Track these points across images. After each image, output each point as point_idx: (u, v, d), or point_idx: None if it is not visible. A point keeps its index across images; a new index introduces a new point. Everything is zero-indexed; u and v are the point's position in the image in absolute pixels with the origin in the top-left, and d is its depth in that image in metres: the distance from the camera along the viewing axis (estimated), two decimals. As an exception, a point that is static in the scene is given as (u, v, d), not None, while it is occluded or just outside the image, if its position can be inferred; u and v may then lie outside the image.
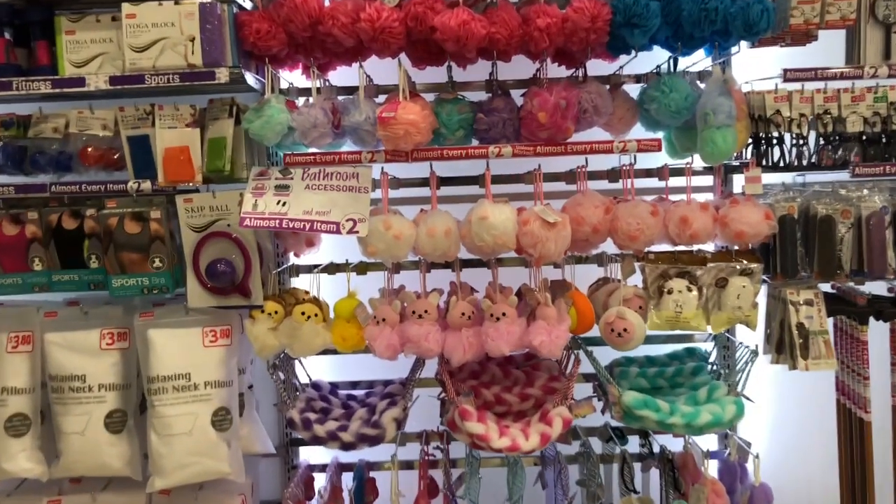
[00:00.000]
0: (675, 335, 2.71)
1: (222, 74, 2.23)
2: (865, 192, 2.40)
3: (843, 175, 2.43)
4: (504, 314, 2.21)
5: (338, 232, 2.22)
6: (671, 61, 2.40)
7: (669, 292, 2.34)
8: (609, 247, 2.42)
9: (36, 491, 2.51)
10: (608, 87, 2.41)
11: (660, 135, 2.48)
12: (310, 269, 2.64)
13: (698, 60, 2.50)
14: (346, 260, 2.57)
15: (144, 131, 2.36)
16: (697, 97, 2.31)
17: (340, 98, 2.41)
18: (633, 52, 2.36)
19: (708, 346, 2.73)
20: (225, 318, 2.42)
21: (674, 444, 2.59)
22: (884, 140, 2.39)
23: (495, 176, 2.38)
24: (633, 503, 2.50)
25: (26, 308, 2.47)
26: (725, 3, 2.16)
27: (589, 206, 2.29)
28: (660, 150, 2.30)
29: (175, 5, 2.22)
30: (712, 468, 2.54)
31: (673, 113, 2.31)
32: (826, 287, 2.51)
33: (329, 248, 2.65)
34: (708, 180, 2.60)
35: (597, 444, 2.67)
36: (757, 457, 2.38)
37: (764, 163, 2.43)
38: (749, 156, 2.45)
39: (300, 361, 2.63)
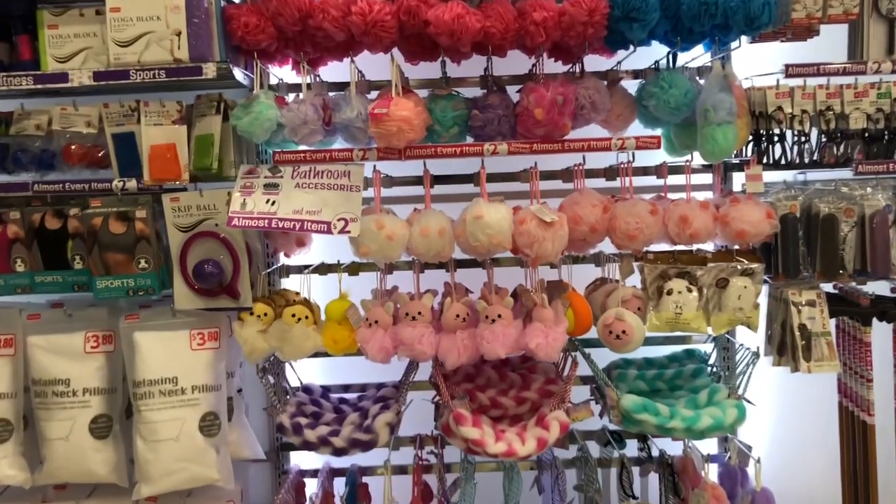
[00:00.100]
0: (673, 336, 2.68)
1: (209, 70, 2.19)
2: (869, 190, 2.37)
3: (846, 173, 2.41)
4: (500, 316, 2.18)
5: (329, 232, 2.19)
6: (670, 56, 2.36)
7: (669, 293, 2.30)
8: (607, 246, 2.39)
9: (19, 498, 2.47)
10: (605, 83, 2.38)
11: (658, 132, 2.45)
12: (300, 269, 2.60)
13: (697, 56, 2.47)
14: (338, 260, 2.53)
15: (130, 128, 2.33)
16: (697, 93, 2.29)
17: (331, 94, 2.38)
18: (632, 48, 2.33)
19: (707, 348, 2.70)
20: (213, 321, 2.38)
21: (673, 448, 2.56)
22: (887, 137, 2.36)
23: (490, 174, 2.34)
24: (632, 509, 2.47)
25: (8, 310, 2.42)
26: (726, -4, 2.13)
27: (587, 204, 2.26)
28: (659, 147, 2.28)
29: (161, -2, 2.18)
30: (712, 473, 2.51)
31: (672, 109, 2.28)
32: (828, 287, 2.48)
33: (320, 249, 2.62)
34: (707, 178, 2.57)
35: (594, 448, 2.64)
36: (758, 461, 2.34)
37: (765, 160, 2.40)
38: (749, 153, 2.42)
39: (290, 364, 2.59)
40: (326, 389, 2.70)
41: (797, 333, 2.33)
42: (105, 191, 2.33)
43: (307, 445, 2.30)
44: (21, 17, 2.29)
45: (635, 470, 2.57)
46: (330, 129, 2.31)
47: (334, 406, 2.59)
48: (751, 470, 2.43)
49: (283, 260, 2.70)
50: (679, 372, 2.56)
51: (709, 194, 2.52)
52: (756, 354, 2.32)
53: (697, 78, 2.40)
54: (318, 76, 2.50)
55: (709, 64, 2.45)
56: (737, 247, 2.36)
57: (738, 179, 2.55)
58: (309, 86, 2.34)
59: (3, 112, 2.41)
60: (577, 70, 2.39)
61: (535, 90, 2.20)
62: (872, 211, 2.33)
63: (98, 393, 2.36)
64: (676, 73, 2.30)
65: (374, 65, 2.42)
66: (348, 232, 2.18)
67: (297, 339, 2.26)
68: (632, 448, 2.63)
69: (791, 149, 2.39)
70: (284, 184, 2.26)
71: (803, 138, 2.38)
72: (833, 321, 2.41)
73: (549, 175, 2.45)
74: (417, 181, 2.43)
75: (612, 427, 2.53)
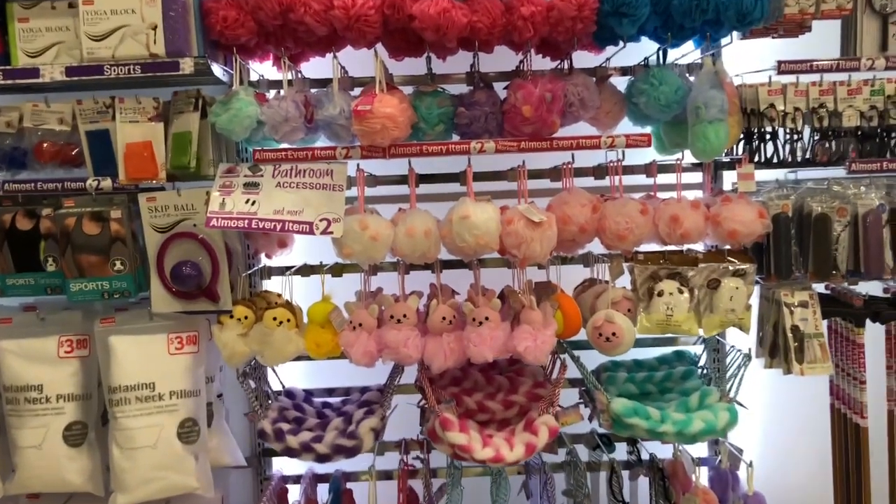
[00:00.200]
0: (662, 337, 2.64)
1: (187, 65, 2.14)
2: (862, 188, 2.35)
3: (838, 171, 2.38)
4: (487, 318, 2.15)
5: (311, 232, 2.15)
6: (660, 53, 2.33)
7: (660, 294, 2.27)
8: (596, 247, 2.36)
9: (-9, 508, 2.42)
10: (594, 79, 2.34)
11: (648, 130, 2.42)
12: (282, 271, 2.57)
13: (687, 52, 2.43)
14: (321, 262, 2.50)
15: (104, 126, 2.28)
16: (688, 90, 2.26)
17: (313, 91, 2.33)
18: (621, 43, 2.29)
19: (697, 349, 2.66)
20: (191, 324, 2.34)
21: (663, 451, 2.53)
22: (882, 135, 2.34)
23: (477, 173, 2.30)
24: (622, 514, 2.44)
25: (-21, 314, 2.37)
26: (718, -9, 2.10)
27: (575, 204, 2.23)
28: (649, 145, 2.24)
29: (136, -9, 2.12)
30: (703, 476, 2.49)
31: (663, 107, 2.25)
32: (820, 288, 2.45)
33: (302, 250, 2.57)
34: (697, 177, 2.53)
35: (583, 452, 2.61)
36: (750, 465, 2.31)
37: (756, 159, 2.37)
38: (741, 152, 2.39)
39: (273, 369, 2.54)
40: (309, 394, 2.66)
41: (790, 335, 2.30)
42: (79, 190, 2.27)
43: (289, 452, 2.26)
44: (-10, 10, 2.23)
45: (625, 474, 2.53)
46: (312, 127, 2.26)
47: (317, 411, 2.55)
48: (742, 473, 2.41)
49: (264, 261, 2.66)
50: (669, 374, 2.53)
51: (698, 193, 2.48)
52: (748, 356, 2.29)
53: (688, 75, 2.38)
54: (300, 72, 2.45)
55: (698, 61, 2.44)
56: (728, 247, 2.33)
57: (729, 178, 2.53)
58: (290, 82, 2.30)
59: (-28, 109, 2.34)
60: (566, 66, 2.34)
61: (523, 86, 2.16)
62: (866, 210, 2.30)
63: (72, 399, 2.31)
64: (667, 69, 2.27)
65: (358, 61, 2.38)
66: (331, 233, 2.14)
67: (278, 343, 2.22)
68: (621, 451, 2.60)
69: (783, 147, 2.36)
70: (265, 183, 2.21)
71: (796, 136, 2.35)
72: (825, 322, 2.38)
73: (537, 174, 2.42)
74: (402, 180, 2.39)
75: (601, 430, 2.49)
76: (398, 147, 2.21)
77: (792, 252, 2.32)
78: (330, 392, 2.70)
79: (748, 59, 2.47)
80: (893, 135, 2.35)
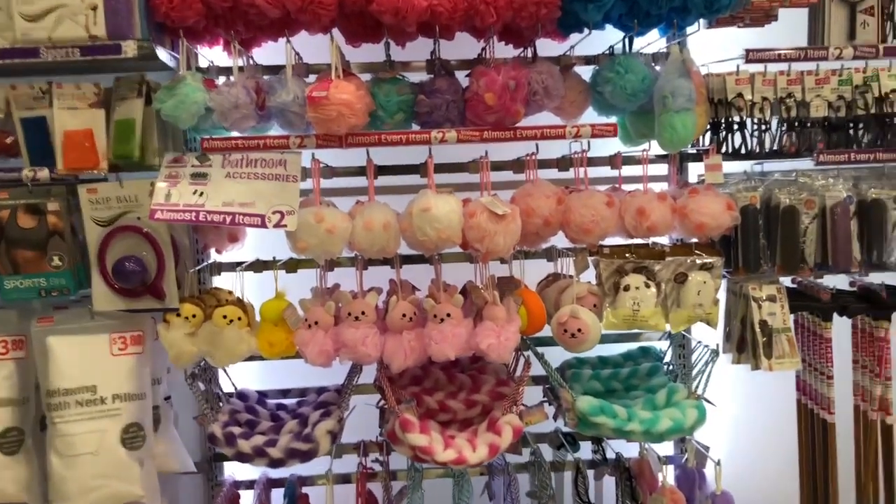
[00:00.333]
0: (626, 333, 2.60)
1: (129, 48, 2.03)
2: (830, 180, 2.33)
3: (806, 163, 2.36)
4: (448, 315, 2.11)
5: (263, 226, 2.08)
6: (626, 41, 2.27)
7: (626, 289, 2.22)
8: (560, 240, 2.31)
9: (-82, 522, 2.30)
10: (559, 68, 2.28)
11: (613, 120, 2.36)
12: (233, 267, 2.47)
13: (653, 41, 2.39)
14: (274, 257, 2.42)
15: (41, 112, 2.16)
16: (654, 79, 2.22)
17: (266, 77, 2.23)
18: (586, 31, 2.24)
19: (662, 345, 2.62)
20: (136, 323, 2.25)
21: (628, 450, 2.49)
22: (850, 126, 2.33)
23: (438, 164, 2.25)
24: (588, 515, 2.40)
25: None
26: (685, -23, 2.07)
27: (540, 196, 2.18)
28: (615, 135, 2.19)
29: (73, -32, 2.02)
30: (670, 475, 2.45)
31: (629, 96, 2.21)
32: (786, 282, 2.43)
33: (254, 244, 2.51)
34: (662, 169, 2.50)
35: (546, 451, 2.56)
36: (718, 463, 2.27)
37: (724, 149, 2.34)
38: (707, 142, 2.35)
39: (224, 369, 2.44)
40: (263, 395, 2.58)
41: (758, 330, 2.29)
42: (13, 181, 2.17)
43: (241, 457, 2.18)
44: (-87, -13, 2.10)
45: (590, 473, 2.50)
46: (264, 114, 2.17)
47: (271, 413, 2.47)
48: (709, 471, 2.38)
49: (213, 256, 2.58)
50: (634, 371, 2.49)
51: (664, 186, 2.45)
52: (715, 352, 2.26)
53: (654, 64, 2.33)
54: (252, 58, 2.35)
55: (664, 50, 2.40)
56: (695, 240, 2.29)
57: (694, 170, 2.51)
58: (241, 68, 2.20)
59: None
60: (530, 54, 2.28)
61: (486, 74, 2.10)
62: (833, 202, 2.28)
63: (7, 404, 2.21)
64: (633, 57, 2.22)
65: (313, 47, 2.30)
66: (284, 226, 2.07)
67: (229, 343, 2.14)
68: (585, 450, 2.56)
69: (751, 137, 2.33)
70: (214, 173, 2.13)
71: (763, 126, 2.33)
72: (792, 316, 2.36)
73: (500, 165, 2.37)
74: (360, 171, 2.33)
75: (565, 429, 2.45)
76: (355, 136, 2.14)
77: (760, 245, 2.29)
78: (285, 393, 2.63)
79: (714, 49, 2.43)
80: (861, 125, 2.33)
